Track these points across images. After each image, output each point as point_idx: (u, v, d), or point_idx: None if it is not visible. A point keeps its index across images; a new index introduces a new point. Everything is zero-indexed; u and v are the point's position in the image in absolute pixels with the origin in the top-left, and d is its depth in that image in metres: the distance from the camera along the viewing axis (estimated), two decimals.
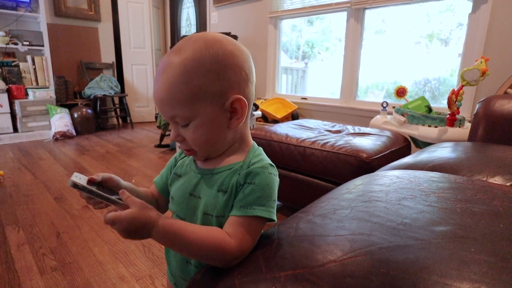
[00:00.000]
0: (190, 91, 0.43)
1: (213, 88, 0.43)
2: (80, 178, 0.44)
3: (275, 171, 0.48)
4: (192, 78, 0.42)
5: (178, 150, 0.59)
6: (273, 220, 0.46)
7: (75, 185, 0.42)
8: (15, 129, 3.20)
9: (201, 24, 4.06)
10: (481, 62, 1.56)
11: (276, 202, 0.47)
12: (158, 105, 0.46)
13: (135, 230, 0.40)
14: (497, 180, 0.77)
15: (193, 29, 4.28)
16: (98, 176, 0.47)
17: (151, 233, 0.41)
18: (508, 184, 0.74)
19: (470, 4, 1.94)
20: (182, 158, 0.56)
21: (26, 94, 3.25)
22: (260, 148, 0.52)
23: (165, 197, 0.57)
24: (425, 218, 0.47)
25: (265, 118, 2.87)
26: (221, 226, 0.45)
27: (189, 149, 0.48)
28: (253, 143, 0.52)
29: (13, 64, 3.21)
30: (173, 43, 4.66)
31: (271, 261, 0.41)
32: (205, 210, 0.47)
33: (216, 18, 3.65)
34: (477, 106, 1.34)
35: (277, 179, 0.48)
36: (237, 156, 0.49)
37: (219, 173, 0.48)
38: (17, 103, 3.12)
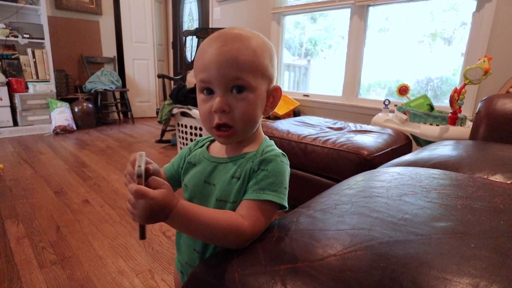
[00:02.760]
0: (261, 66, 0.47)
1: (270, 73, 0.49)
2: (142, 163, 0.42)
3: (286, 160, 0.50)
4: (265, 56, 0.47)
5: (179, 146, 0.59)
6: (285, 207, 0.47)
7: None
8: (15, 123, 3.20)
9: (204, 19, 4.04)
10: (484, 61, 1.55)
11: (287, 190, 0.48)
12: (223, 64, 0.44)
13: (157, 210, 0.39)
14: (498, 178, 0.76)
15: (196, 24, 4.26)
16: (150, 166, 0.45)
17: (168, 216, 0.40)
18: (509, 182, 0.74)
19: (475, 3, 1.92)
20: (196, 149, 0.57)
21: (26, 88, 3.25)
22: (272, 140, 0.54)
23: (172, 183, 0.58)
24: (426, 214, 0.47)
25: None
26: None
27: (230, 124, 0.47)
28: (264, 136, 0.55)
29: (13, 57, 3.20)
30: (175, 38, 4.64)
31: (271, 254, 0.41)
32: (219, 197, 0.49)
33: (219, 14, 3.63)
34: (479, 105, 1.33)
35: (288, 168, 0.50)
36: (251, 146, 0.52)
37: (234, 161, 0.50)
38: (17, 96, 3.12)
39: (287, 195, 0.48)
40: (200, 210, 0.43)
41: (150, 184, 0.40)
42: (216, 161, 0.52)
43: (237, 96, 0.46)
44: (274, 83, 0.51)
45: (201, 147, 0.57)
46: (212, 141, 0.58)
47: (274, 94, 0.51)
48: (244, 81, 0.45)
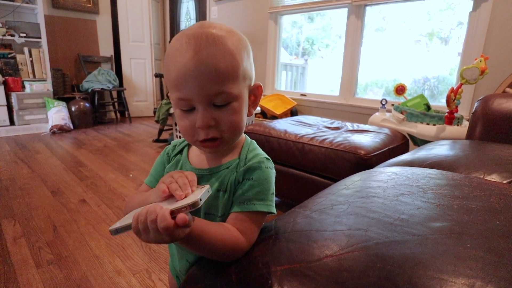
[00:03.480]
0: (242, 69, 0.43)
1: (250, 73, 0.46)
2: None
3: (271, 164, 0.48)
4: (243, 56, 0.43)
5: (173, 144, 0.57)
6: (273, 213, 0.46)
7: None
8: (12, 122, 3.18)
9: (201, 18, 4.03)
10: (480, 61, 1.56)
11: (274, 195, 0.47)
12: (202, 78, 0.40)
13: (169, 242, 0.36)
14: (494, 177, 0.77)
15: (193, 24, 4.25)
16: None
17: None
18: (504, 181, 0.75)
19: (471, 2, 1.93)
20: (175, 155, 0.54)
21: (23, 87, 3.23)
22: (253, 141, 0.52)
23: None
24: (422, 214, 0.47)
25: (264, 114, 2.86)
26: None
27: (218, 136, 0.44)
28: (245, 137, 0.52)
29: (9, 56, 3.18)
30: (172, 37, 4.62)
31: (268, 255, 0.41)
32: (207, 210, 0.47)
33: (216, 13, 3.62)
34: (475, 105, 1.34)
35: (274, 171, 0.48)
36: (233, 153, 0.49)
37: (218, 173, 0.48)
38: (13, 95, 3.10)
39: (274, 200, 0.47)
40: (204, 228, 0.40)
41: (179, 222, 0.34)
42: (199, 173, 0.48)
43: (221, 108, 0.42)
44: (254, 81, 0.48)
45: (180, 152, 0.53)
46: (190, 145, 0.54)
47: (256, 93, 0.48)
48: (228, 93, 0.41)
